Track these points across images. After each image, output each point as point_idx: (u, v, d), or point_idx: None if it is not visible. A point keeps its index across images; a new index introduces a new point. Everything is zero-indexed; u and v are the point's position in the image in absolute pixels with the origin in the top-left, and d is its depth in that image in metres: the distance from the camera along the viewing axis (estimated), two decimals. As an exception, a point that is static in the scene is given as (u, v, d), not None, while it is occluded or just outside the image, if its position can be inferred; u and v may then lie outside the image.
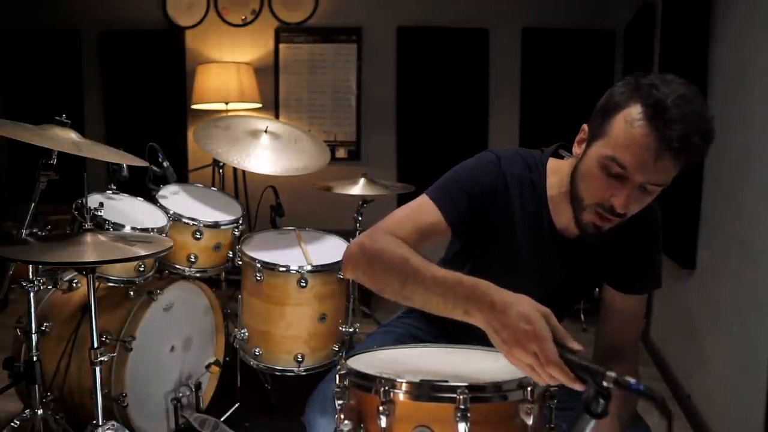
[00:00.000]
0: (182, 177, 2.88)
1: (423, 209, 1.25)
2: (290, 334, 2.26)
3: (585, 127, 1.23)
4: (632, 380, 0.84)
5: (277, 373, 2.31)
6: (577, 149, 1.24)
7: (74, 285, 2.19)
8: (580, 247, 1.33)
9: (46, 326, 2.04)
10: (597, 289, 1.46)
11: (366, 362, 1.14)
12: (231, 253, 2.42)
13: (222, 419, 2.24)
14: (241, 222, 2.44)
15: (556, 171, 1.31)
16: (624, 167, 1.10)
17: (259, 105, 4.41)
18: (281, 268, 2.23)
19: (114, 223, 2.02)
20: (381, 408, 0.98)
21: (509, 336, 0.94)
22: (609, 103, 1.16)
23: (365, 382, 1.03)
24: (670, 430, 0.83)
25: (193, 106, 4.39)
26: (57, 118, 1.85)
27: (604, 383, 0.86)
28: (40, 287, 1.87)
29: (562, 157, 1.35)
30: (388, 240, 1.14)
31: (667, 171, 1.10)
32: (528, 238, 1.33)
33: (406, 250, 1.10)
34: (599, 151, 1.15)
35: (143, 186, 2.41)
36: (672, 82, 1.10)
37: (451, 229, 1.26)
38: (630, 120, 1.09)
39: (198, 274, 2.35)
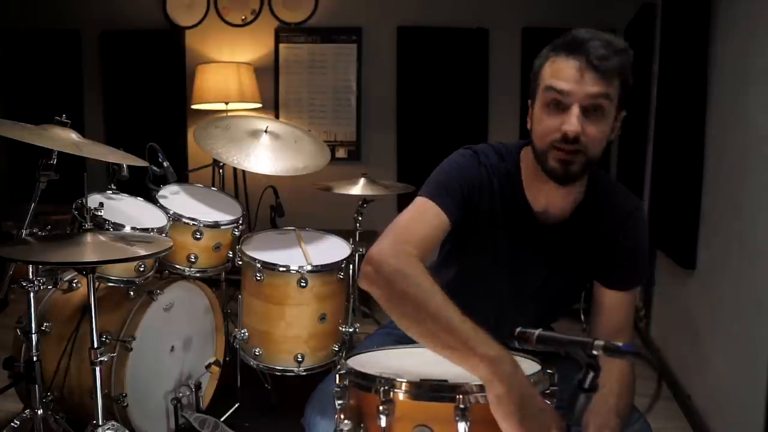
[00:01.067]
0: (182, 177, 2.88)
1: (425, 210, 1.26)
2: (290, 334, 2.26)
3: (529, 101, 1.31)
4: (619, 343, 0.89)
5: (277, 373, 2.31)
6: (528, 123, 1.31)
7: (74, 285, 2.19)
8: (560, 234, 1.36)
9: (46, 326, 2.04)
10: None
11: (366, 362, 1.14)
12: (231, 253, 2.42)
13: (222, 419, 2.24)
14: (241, 222, 2.44)
15: (527, 156, 1.35)
16: (559, 90, 1.19)
17: (259, 105, 4.41)
18: (281, 268, 2.23)
19: (114, 223, 2.02)
20: (381, 407, 0.98)
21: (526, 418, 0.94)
22: (534, 68, 1.28)
23: (365, 381, 1.03)
24: (659, 385, 0.89)
25: (193, 106, 4.39)
26: (57, 118, 1.85)
27: (594, 351, 0.90)
28: (40, 287, 1.87)
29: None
30: (409, 264, 1.12)
31: (598, 83, 1.18)
32: (509, 227, 1.35)
33: (431, 284, 1.09)
34: (539, 98, 1.24)
35: (143, 186, 2.41)
36: (581, 29, 1.22)
37: (452, 225, 1.27)
38: (552, 61, 1.22)
39: (198, 274, 2.35)
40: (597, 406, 1.20)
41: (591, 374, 0.91)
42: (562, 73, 1.19)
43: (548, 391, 1.05)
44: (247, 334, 2.30)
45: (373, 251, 1.15)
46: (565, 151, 1.20)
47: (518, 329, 1.02)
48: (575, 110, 1.18)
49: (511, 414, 0.93)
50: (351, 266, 2.38)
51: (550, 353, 1.02)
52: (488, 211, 1.34)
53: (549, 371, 1.07)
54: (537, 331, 1.00)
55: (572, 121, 1.18)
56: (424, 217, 1.25)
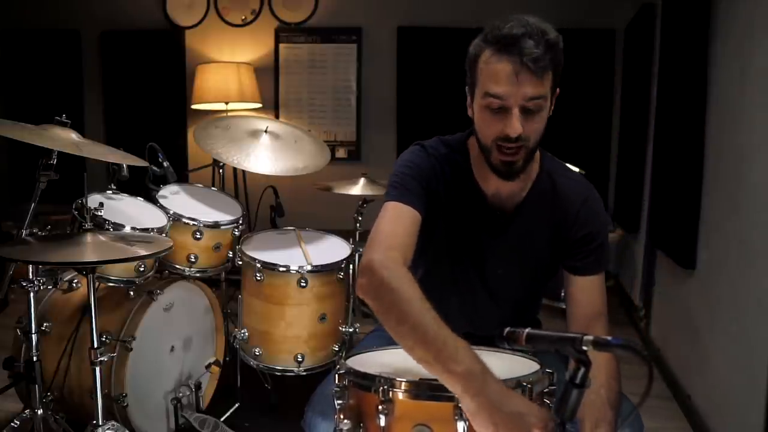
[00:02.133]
0: (182, 177, 2.88)
1: (397, 213, 1.31)
2: (290, 334, 2.26)
3: (467, 89, 1.33)
4: (609, 337, 0.91)
5: (277, 373, 2.31)
6: (469, 111, 1.34)
7: (74, 285, 2.20)
8: (514, 222, 1.40)
9: (46, 326, 2.04)
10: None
11: (365, 362, 1.14)
12: (231, 253, 2.42)
13: (222, 419, 2.24)
14: (241, 222, 2.44)
15: (474, 145, 1.39)
16: (499, 97, 1.21)
17: (259, 105, 4.41)
18: (281, 268, 2.23)
19: (114, 223, 2.02)
20: (380, 407, 0.99)
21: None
22: (469, 59, 1.29)
23: (365, 381, 1.04)
24: (651, 375, 0.89)
25: (193, 106, 4.39)
26: (57, 118, 1.85)
27: (584, 347, 0.91)
28: (40, 287, 1.87)
29: None
30: (396, 275, 1.15)
31: (534, 84, 1.20)
32: (463, 213, 1.40)
33: (412, 293, 1.11)
34: (478, 98, 1.26)
35: (143, 186, 2.41)
36: (514, 18, 1.23)
37: (423, 216, 1.32)
38: (486, 60, 1.23)
39: (198, 274, 2.35)
40: (590, 399, 1.21)
41: (582, 370, 0.92)
42: (497, 76, 1.21)
43: (546, 390, 1.05)
44: (247, 334, 2.30)
45: (364, 262, 1.20)
46: (508, 149, 1.25)
47: (507, 329, 1.03)
48: (515, 112, 1.21)
49: (484, 425, 0.95)
50: (351, 266, 2.38)
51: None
52: (444, 199, 1.39)
53: (548, 371, 1.08)
54: (526, 330, 1.01)
55: (513, 124, 1.21)
56: (399, 220, 1.30)
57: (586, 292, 1.40)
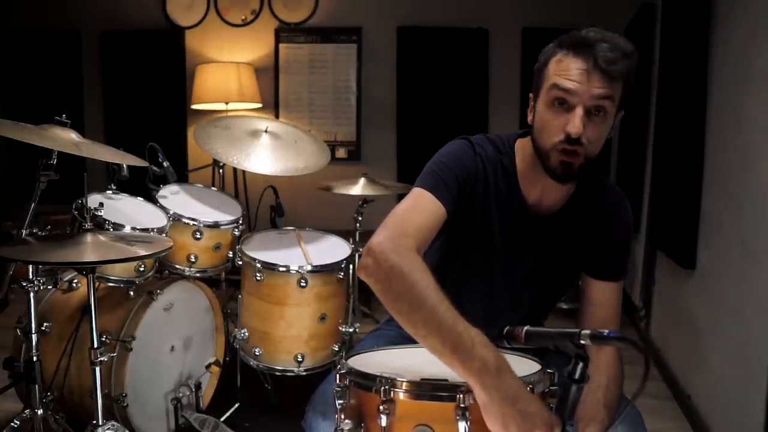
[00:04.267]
0: (182, 177, 2.88)
1: (422, 201, 1.27)
2: (290, 334, 2.26)
3: (531, 95, 1.32)
4: (605, 330, 0.92)
5: (277, 373, 2.31)
6: (530, 117, 1.32)
7: (74, 285, 2.19)
8: (551, 228, 1.38)
9: (46, 326, 2.04)
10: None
11: (366, 362, 1.14)
12: (231, 253, 2.41)
13: (222, 419, 2.24)
14: (241, 222, 2.44)
15: (522, 148, 1.37)
16: (565, 89, 1.20)
17: (259, 105, 4.41)
18: (281, 268, 2.23)
19: (114, 223, 2.02)
20: (381, 407, 0.98)
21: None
22: (539, 63, 1.28)
23: (366, 381, 1.03)
24: (647, 367, 0.90)
25: (193, 106, 4.39)
26: (57, 118, 1.84)
27: (582, 341, 0.92)
28: (40, 287, 1.86)
29: (526, 137, 1.40)
30: (408, 261, 1.11)
31: (602, 87, 1.19)
32: (502, 217, 1.37)
33: (427, 282, 1.08)
34: (543, 95, 1.25)
35: (143, 186, 2.41)
36: (588, 29, 1.22)
37: (449, 214, 1.28)
38: (559, 59, 1.23)
39: (198, 274, 2.35)
40: (585, 399, 1.22)
41: (580, 365, 0.93)
42: (568, 72, 1.20)
43: (548, 391, 1.05)
44: (247, 334, 2.30)
45: (373, 243, 1.14)
46: (567, 151, 1.22)
47: (506, 328, 1.03)
48: (579, 111, 1.19)
49: (494, 419, 0.95)
50: (351, 266, 2.38)
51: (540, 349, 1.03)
52: (482, 201, 1.36)
53: (549, 371, 1.07)
54: (525, 328, 1.01)
55: (576, 123, 1.19)
56: (421, 209, 1.25)
57: (604, 298, 1.40)
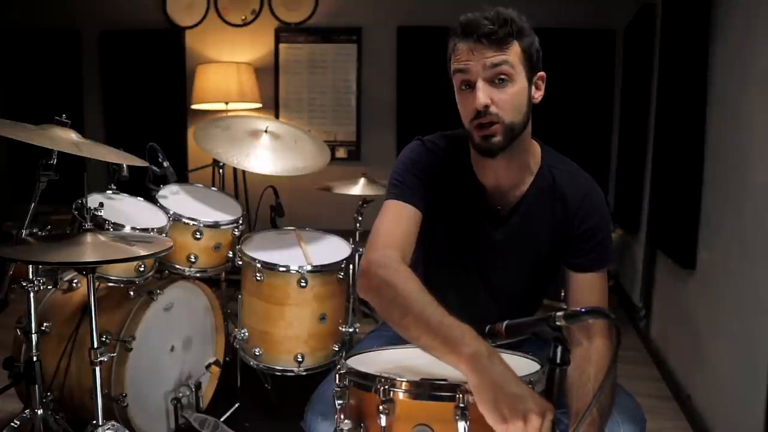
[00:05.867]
0: (182, 177, 2.88)
1: (395, 211, 1.33)
2: (290, 334, 2.26)
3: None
4: (579, 308, 0.97)
5: (277, 373, 2.31)
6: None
7: (74, 285, 2.19)
8: (516, 216, 1.40)
9: (46, 326, 2.04)
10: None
11: (366, 361, 1.15)
12: (231, 253, 2.42)
13: (222, 419, 2.24)
14: (241, 222, 2.44)
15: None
16: (461, 70, 1.27)
17: (259, 105, 4.41)
18: (281, 268, 2.23)
19: (114, 223, 2.02)
20: (381, 407, 0.99)
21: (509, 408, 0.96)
22: (447, 57, 1.36)
23: (365, 381, 1.03)
24: (618, 340, 0.95)
25: (193, 106, 4.39)
26: (57, 118, 1.84)
27: (557, 323, 0.96)
28: (40, 287, 1.86)
29: None
30: (395, 272, 1.19)
31: (492, 53, 1.24)
32: (463, 209, 1.41)
33: (412, 287, 1.15)
34: (454, 85, 1.32)
35: (143, 186, 2.41)
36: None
37: (423, 212, 1.34)
38: (452, 47, 1.32)
39: (198, 274, 2.35)
40: (578, 393, 1.24)
41: (559, 347, 0.96)
42: (460, 54, 1.27)
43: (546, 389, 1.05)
44: (247, 334, 2.30)
45: (364, 264, 1.23)
46: (483, 125, 1.26)
47: (487, 327, 1.06)
48: (480, 84, 1.25)
49: (486, 400, 0.96)
50: (351, 266, 2.38)
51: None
52: (443, 196, 1.39)
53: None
54: (504, 323, 1.04)
55: (478, 96, 1.25)
56: (397, 219, 1.32)
57: (585, 289, 1.39)
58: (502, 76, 1.25)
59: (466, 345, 1.01)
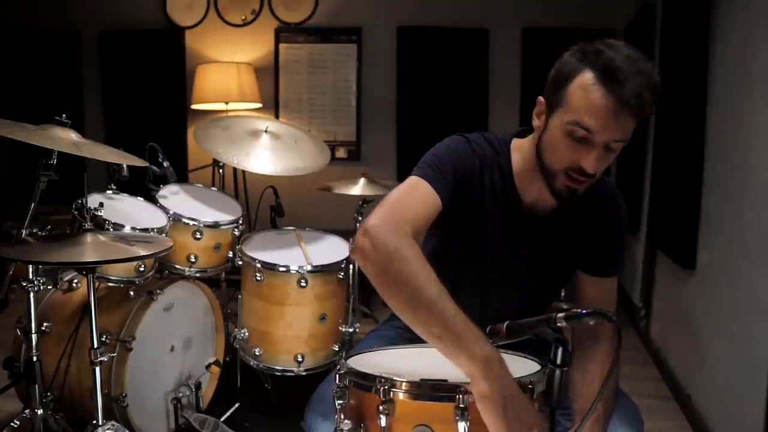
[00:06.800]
0: (182, 177, 2.88)
1: (419, 189, 1.25)
2: (290, 334, 2.26)
3: (541, 99, 1.28)
4: (579, 309, 0.97)
5: (277, 373, 2.31)
6: (536, 122, 1.29)
7: (74, 285, 2.19)
8: (546, 227, 1.38)
9: (46, 326, 2.04)
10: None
11: (366, 362, 1.14)
12: (231, 253, 2.41)
13: (222, 419, 2.24)
14: (241, 222, 2.44)
15: (520, 148, 1.36)
16: (589, 130, 1.16)
17: (259, 105, 4.41)
18: (281, 268, 2.23)
19: (114, 223, 2.02)
20: (381, 407, 0.98)
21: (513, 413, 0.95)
22: (561, 74, 1.21)
23: (365, 381, 1.03)
24: (619, 342, 0.95)
25: (193, 106, 4.39)
26: (57, 118, 1.84)
27: (558, 324, 0.96)
28: (40, 287, 1.86)
29: (523, 137, 1.39)
30: (407, 245, 1.09)
31: (627, 128, 1.16)
32: (496, 217, 1.36)
33: (428, 272, 1.06)
34: (561, 120, 1.19)
35: (143, 186, 2.41)
36: (616, 45, 1.16)
37: (443, 207, 1.26)
38: (585, 86, 1.15)
39: (198, 274, 2.35)
40: (583, 394, 1.24)
41: (560, 349, 0.95)
42: (594, 110, 1.14)
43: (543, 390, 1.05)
44: (247, 334, 2.30)
45: (370, 225, 1.11)
46: (578, 181, 1.22)
47: (488, 327, 1.05)
48: (598, 150, 1.17)
49: (495, 413, 0.95)
50: (351, 266, 2.38)
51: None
52: (477, 200, 1.35)
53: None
54: (505, 323, 1.04)
55: (592, 162, 1.17)
56: (418, 197, 1.23)
57: (598, 292, 1.40)
58: (617, 149, 1.19)
59: (480, 347, 0.98)
